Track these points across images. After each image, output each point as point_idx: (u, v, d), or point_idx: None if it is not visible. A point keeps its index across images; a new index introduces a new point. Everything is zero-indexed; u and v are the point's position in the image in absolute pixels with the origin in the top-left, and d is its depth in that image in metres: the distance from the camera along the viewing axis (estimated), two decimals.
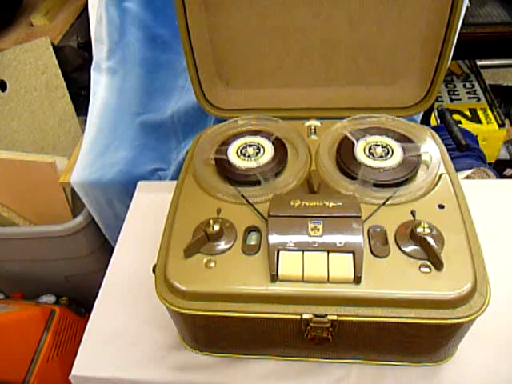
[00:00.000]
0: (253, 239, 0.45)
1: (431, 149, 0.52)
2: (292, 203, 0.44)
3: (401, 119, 0.56)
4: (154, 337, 0.55)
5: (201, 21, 0.55)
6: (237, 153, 0.53)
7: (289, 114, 0.61)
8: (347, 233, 0.41)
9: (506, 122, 1.18)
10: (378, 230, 0.44)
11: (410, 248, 0.42)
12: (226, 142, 0.55)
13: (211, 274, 0.42)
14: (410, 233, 0.43)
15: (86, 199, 0.84)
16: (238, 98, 0.63)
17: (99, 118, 0.82)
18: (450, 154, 0.53)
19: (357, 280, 0.40)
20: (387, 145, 0.52)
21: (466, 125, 1.16)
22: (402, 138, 0.53)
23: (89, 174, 0.80)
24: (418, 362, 0.49)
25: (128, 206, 0.70)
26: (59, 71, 1.08)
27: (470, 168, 0.93)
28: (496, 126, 1.16)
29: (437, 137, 0.56)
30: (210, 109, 0.62)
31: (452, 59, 0.59)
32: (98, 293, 0.60)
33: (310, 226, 0.42)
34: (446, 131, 0.96)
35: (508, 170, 1.22)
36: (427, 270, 0.41)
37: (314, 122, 0.59)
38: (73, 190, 0.85)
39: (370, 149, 0.52)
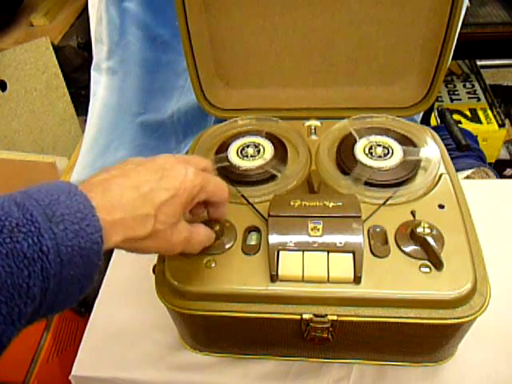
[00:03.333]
0: (253, 239, 0.45)
1: (431, 149, 0.52)
2: (292, 203, 0.44)
3: (401, 119, 0.56)
4: (154, 337, 0.55)
5: (201, 21, 0.55)
6: (237, 153, 0.53)
7: (289, 114, 0.61)
8: (347, 233, 0.41)
9: (506, 122, 1.18)
10: (378, 230, 0.44)
11: (410, 248, 0.42)
12: (226, 142, 0.55)
13: (211, 274, 0.42)
14: (410, 233, 0.43)
15: None
16: (238, 98, 0.63)
17: (99, 118, 0.82)
18: (450, 154, 0.53)
19: (357, 280, 0.40)
20: (387, 145, 0.52)
21: (466, 125, 1.16)
22: (402, 138, 0.53)
23: (89, 173, 0.80)
24: (418, 361, 0.49)
25: None
26: (59, 71, 1.08)
27: (470, 168, 0.93)
28: (496, 126, 1.16)
29: (437, 137, 0.56)
30: (210, 109, 0.62)
31: (452, 59, 0.59)
32: (98, 292, 0.60)
33: (310, 225, 0.42)
34: (446, 131, 0.96)
35: (508, 169, 1.22)
36: (427, 270, 0.41)
37: (314, 122, 0.59)
38: None
39: (370, 149, 0.52)
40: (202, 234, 0.40)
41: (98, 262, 0.29)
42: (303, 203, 0.44)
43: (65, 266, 0.27)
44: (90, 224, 0.28)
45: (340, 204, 0.43)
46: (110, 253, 0.64)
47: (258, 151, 0.53)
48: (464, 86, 1.29)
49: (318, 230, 0.42)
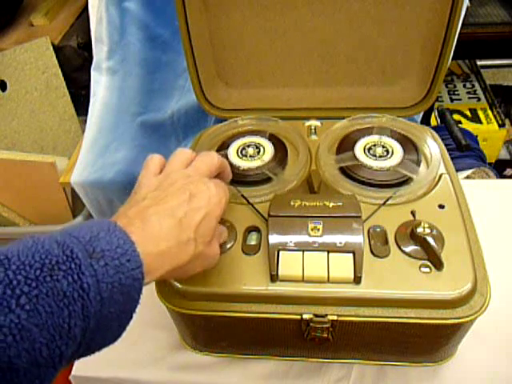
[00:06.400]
0: (253, 239, 0.45)
1: (431, 149, 0.52)
2: (292, 203, 0.44)
3: (401, 119, 0.56)
4: (154, 337, 0.55)
5: (201, 21, 0.55)
6: (237, 153, 0.53)
7: (289, 114, 0.61)
8: (347, 233, 0.41)
9: (506, 121, 1.18)
10: (378, 229, 0.44)
11: (410, 248, 0.42)
12: (226, 142, 0.55)
13: (211, 274, 0.42)
14: (410, 233, 0.43)
15: (86, 199, 0.84)
16: (238, 98, 0.63)
17: (99, 118, 0.82)
18: (450, 154, 0.53)
19: (357, 280, 0.40)
20: (387, 145, 0.52)
21: (466, 125, 1.16)
22: (402, 138, 0.53)
23: (89, 174, 0.80)
24: (418, 361, 0.49)
25: None
26: (59, 71, 1.08)
27: (470, 168, 0.93)
28: (496, 126, 1.16)
29: (437, 137, 0.56)
30: (210, 109, 0.62)
31: (452, 59, 0.59)
32: None
33: (310, 225, 0.42)
34: (446, 131, 0.96)
35: (508, 169, 1.22)
36: (427, 269, 0.41)
37: (314, 122, 0.59)
38: (73, 190, 0.84)
39: (370, 149, 0.52)
40: (224, 234, 0.40)
41: (138, 298, 0.29)
42: (303, 203, 0.44)
43: (105, 303, 0.26)
44: (131, 259, 0.28)
45: (340, 204, 0.43)
46: None
47: (258, 151, 0.53)
48: (464, 86, 1.29)
49: (318, 229, 0.42)
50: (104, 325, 0.27)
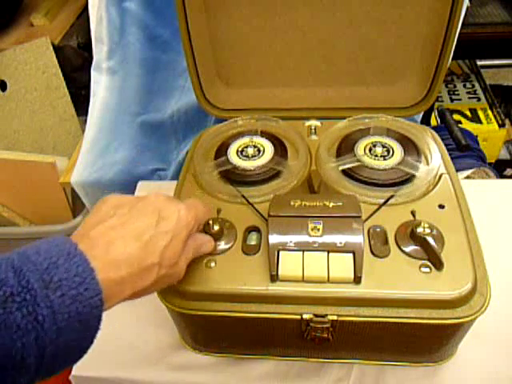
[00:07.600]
0: (253, 239, 0.45)
1: (431, 149, 0.52)
2: (292, 203, 0.44)
3: (401, 119, 0.56)
4: (154, 337, 0.55)
5: (201, 21, 0.55)
6: (237, 153, 0.53)
7: (289, 114, 0.61)
8: (347, 233, 0.41)
9: (506, 121, 1.18)
10: (378, 230, 0.44)
11: (410, 248, 0.42)
12: (226, 143, 0.55)
13: (211, 274, 0.42)
14: (410, 233, 0.43)
15: (86, 199, 0.84)
16: (238, 98, 0.63)
17: (99, 118, 0.82)
18: (450, 154, 0.53)
19: (357, 280, 0.40)
20: (387, 145, 0.52)
21: (466, 125, 1.16)
22: (402, 138, 0.53)
23: (89, 174, 0.80)
24: (418, 361, 0.49)
25: None
26: (59, 71, 1.08)
27: (470, 168, 0.93)
28: (496, 126, 1.16)
29: (437, 137, 0.56)
30: (210, 109, 0.62)
31: (452, 59, 0.59)
32: None
33: (310, 225, 0.42)
34: (446, 131, 0.96)
35: (508, 169, 1.22)
36: (427, 270, 0.41)
37: (314, 122, 0.59)
38: (73, 190, 0.85)
39: (370, 149, 0.52)
40: (200, 240, 0.40)
41: (98, 324, 0.29)
42: (303, 203, 0.44)
43: (62, 333, 0.26)
44: (89, 288, 0.27)
45: (340, 204, 0.43)
46: None
47: (258, 151, 0.53)
48: (464, 85, 1.29)
49: (318, 229, 0.42)
50: (62, 351, 0.27)
